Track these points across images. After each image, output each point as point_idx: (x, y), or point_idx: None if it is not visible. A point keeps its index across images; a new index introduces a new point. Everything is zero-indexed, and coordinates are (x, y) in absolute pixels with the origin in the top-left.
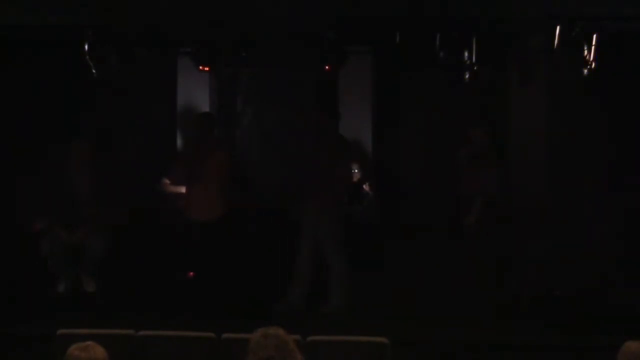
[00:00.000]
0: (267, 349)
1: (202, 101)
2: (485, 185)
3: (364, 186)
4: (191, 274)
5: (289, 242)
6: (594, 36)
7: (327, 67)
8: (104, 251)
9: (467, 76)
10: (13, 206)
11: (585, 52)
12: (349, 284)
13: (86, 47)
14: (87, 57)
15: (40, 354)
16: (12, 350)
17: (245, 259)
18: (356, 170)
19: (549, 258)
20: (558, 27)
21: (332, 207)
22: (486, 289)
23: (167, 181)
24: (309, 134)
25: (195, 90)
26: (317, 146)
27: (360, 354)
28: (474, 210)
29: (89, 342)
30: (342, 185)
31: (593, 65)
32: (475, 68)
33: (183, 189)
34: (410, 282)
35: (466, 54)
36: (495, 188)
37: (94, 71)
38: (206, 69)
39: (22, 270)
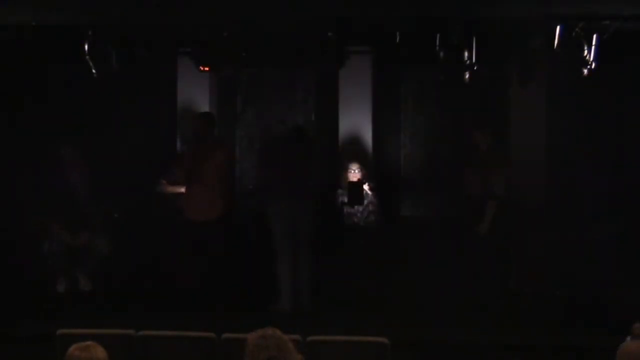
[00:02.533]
0: (268, 349)
1: (202, 101)
2: (492, 187)
3: (365, 186)
4: (191, 274)
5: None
6: (594, 36)
7: (326, 67)
8: (106, 253)
9: (467, 76)
10: (13, 206)
11: (585, 52)
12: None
13: (86, 47)
14: (87, 57)
15: (40, 354)
16: (12, 350)
17: (244, 259)
18: (356, 171)
19: (548, 258)
20: (558, 27)
21: (302, 208)
22: (486, 288)
23: (166, 181)
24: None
25: (195, 90)
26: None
27: (360, 354)
28: (486, 217)
29: (89, 342)
30: (309, 184)
31: (593, 65)
32: (475, 68)
33: (183, 189)
34: (411, 282)
35: (466, 54)
36: (503, 190)
37: (94, 71)
38: (206, 69)
39: (22, 270)
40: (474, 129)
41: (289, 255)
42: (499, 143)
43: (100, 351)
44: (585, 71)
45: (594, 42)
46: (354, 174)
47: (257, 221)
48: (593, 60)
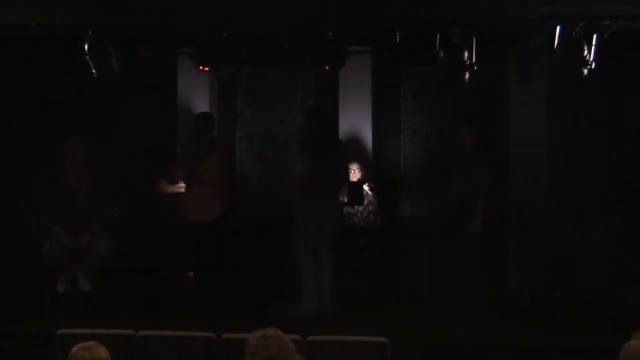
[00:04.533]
0: (269, 349)
1: (202, 101)
2: (482, 187)
3: (365, 186)
4: (191, 274)
5: (288, 243)
6: (594, 36)
7: (327, 67)
8: (106, 253)
9: (467, 76)
10: (13, 206)
11: (585, 52)
12: (318, 287)
13: (86, 47)
14: (87, 57)
15: (40, 354)
16: (12, 350)
17: (244, 260)
18: (356, 171)
19: (548, 258)
20: (558, 27)
21: (330, 207)
22: (486, 288)
23: (167, 181)
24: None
25: (195, 90)
26: (315, 147)
27: (360, 354)
28: (476, 217)
29: (91, 342)
30: (338, 185)
31: (593, 65)
32: (475, 68)
33: (182, 189)
34: (411, 282)
35: (466, 54)
36: (491, 188)
37: (94, 71)
38: (206, 69)
39: (22, 270)
40: (459, 128)
41: (312, 255)
42: (487, 142)
43: (103, 351)
44: (585, 71)
45: (594, 42)
46: (354, 174)
47: (261, 221)
48: (593, 60)
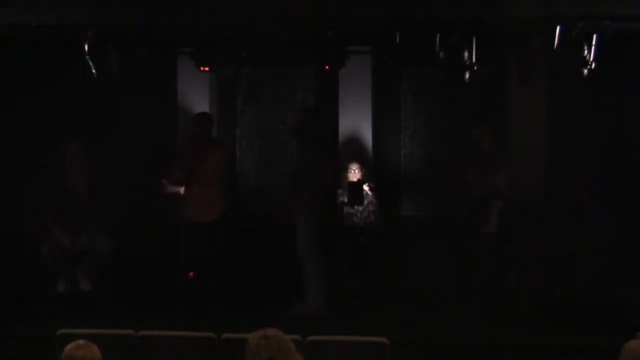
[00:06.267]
0: (269, 349)
1: (202, 101)
2: (496, 186)
3: (365, 186)
4: (191, 274)
5: (288, 243)
6: (594, 36)
7: (327, 67)
8: (106, 253)
9: (467, 76)
10: (13, 207)
11: (585, 52)
12: (323, 286)
13: (86, 47)
14: (87, 57)
15: (40, 354)
16: (12, 350)
17: (244, 260)
18: (356, 171)
19: (549, 257)
20: (558, 27)
21: (304, 206)
22: (487, 288)
23: (167, 181)
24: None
25: (195, 90)
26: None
27: (360, 354)
28: (492, 216)
29: (82, 341)
30: (314, 184)
31: (593, 65)
32: (475, 68)
33: (182, 190)
34: (411, 282)
35: (466, 54)
36: (504, 189)
37: (94, 71)
38: (206, 69)
39: (22, 271)
40: (474, 128)
41: (319, 253)
42: (500, 142)
43: (96, 350)
44: (585, 71)
45: (594, 42)
46: (354, 174)
47: (261, 221)
48: (593, 60)
